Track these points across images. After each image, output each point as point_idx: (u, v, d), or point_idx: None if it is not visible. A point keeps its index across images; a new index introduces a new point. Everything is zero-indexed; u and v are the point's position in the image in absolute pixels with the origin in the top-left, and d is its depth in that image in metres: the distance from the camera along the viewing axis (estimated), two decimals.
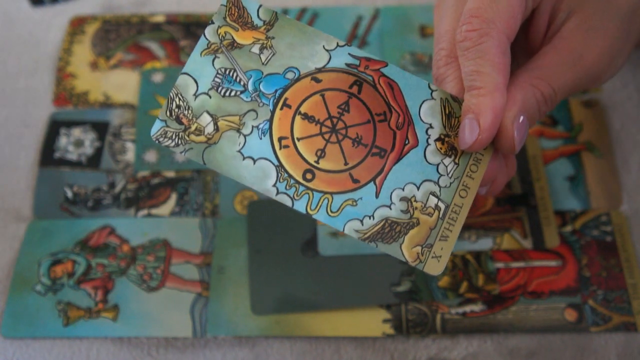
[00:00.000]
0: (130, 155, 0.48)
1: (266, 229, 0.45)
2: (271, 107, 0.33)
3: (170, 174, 0.48)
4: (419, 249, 0.32)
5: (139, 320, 0.43)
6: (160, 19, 0.54)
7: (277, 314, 0.42)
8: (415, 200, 0.33)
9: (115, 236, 0.45)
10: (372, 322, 0.42)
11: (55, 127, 0.50)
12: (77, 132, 0.49)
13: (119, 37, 0.53)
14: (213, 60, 0.33)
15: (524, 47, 0.38)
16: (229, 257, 0.44)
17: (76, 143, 0.49)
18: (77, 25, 0.54)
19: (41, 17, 0.55)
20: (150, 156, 0.48)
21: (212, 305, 0.43)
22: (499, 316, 0.42)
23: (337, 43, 0.34)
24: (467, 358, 0.41)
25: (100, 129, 0.49)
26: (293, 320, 0.42)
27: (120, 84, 0.51)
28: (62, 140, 0.49)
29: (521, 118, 0.33)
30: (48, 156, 0.49)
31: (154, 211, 0.46)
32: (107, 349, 0.42)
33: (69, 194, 0.47)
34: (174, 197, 0.47)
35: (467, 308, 0.42)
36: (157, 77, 0.51)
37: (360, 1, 0.54)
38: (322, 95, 0.33)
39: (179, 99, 0.33)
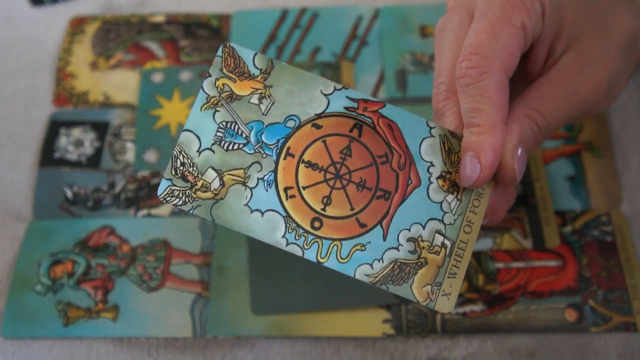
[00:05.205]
0: (130, 155, 0.48)
1: None
2: (275, 158, 0.33)
3: None
4: (428, 288, 0.32)
5: (138, 321, 0.43)
6: (160, 19, 0.54)
7: (277, 314, 0.42)
8: (422, 240, 0.33)
9: (115, 236, 0.45)
10: (372, 322, 0.42)
11: (55, 127, 0.50)
12: (77, 132, 0.49)
13: (119, 37, 0.53)
14: (214, 115, 0.33)
15: (522, 74, 0.38)
16: (229, 257, 0.44)
17: (76, 143, 0.49)
18: (77, 25, 0.54)
19: (41, 17, 0.55)
20: (150, 156, 0.48)
21: (212, 306, 0.43)
22: (499, 316, 0.42)
23: (335, 87, 0.34)
24: (467, 358, 0.41)
25: (100, 129, 0.49)
26: (293, 320, 0.42)
27: (120, 84, 0.51)
28: (62, 140, 0.49)
29: (519, 151, 0.33)
30: (48, 156, 0.49)
31: (154, 211, 0.46)
32: (107, 349, 0.42)
33: (69, 194, 0.47)
34: None
35: (467, 308, 0.42)
36: (157, 77, 0.51)
37: (360, 1, 0.54)
38: (324, 142, 0.33)
39: (183, 157, 0.33)
